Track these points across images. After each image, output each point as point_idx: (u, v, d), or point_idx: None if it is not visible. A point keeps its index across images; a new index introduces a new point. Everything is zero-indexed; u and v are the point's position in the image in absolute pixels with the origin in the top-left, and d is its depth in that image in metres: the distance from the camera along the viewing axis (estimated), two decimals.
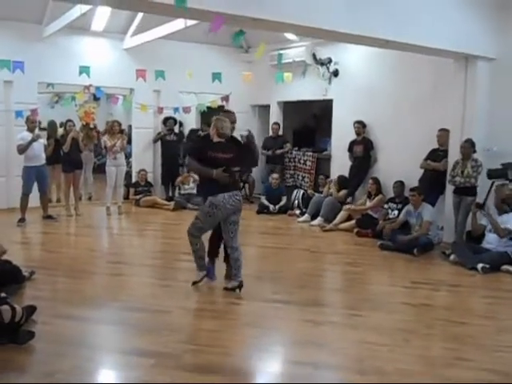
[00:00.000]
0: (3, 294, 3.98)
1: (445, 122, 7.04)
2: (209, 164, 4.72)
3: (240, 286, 4.84)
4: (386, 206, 7.57)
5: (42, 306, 4.25)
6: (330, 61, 9.04)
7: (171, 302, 4.60)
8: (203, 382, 3.19)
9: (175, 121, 10.29)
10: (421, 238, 6.51)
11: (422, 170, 7.25)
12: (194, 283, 4.94)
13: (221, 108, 8.95)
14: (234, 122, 5.18)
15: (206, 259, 5.06)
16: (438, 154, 7.12)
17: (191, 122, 11.74)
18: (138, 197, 9.78)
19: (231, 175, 4.76)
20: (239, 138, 5.08)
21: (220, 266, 5.27)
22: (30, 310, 4.06)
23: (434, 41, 5.87)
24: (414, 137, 7.59)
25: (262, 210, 9.26)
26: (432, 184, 7.04)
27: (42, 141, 8.02)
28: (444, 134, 7.06)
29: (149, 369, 3.35)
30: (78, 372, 3.29)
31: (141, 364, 3.41)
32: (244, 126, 11.00)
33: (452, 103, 6.89)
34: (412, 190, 6.81)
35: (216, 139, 4.80)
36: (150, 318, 4.27)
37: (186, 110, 10.18)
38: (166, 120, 10.15)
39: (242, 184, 10.04)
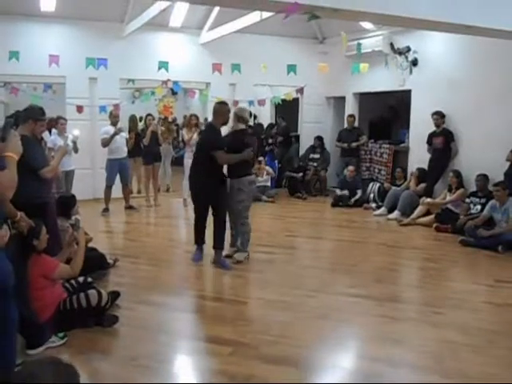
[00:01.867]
0: (89, 279, 4.21)
1: None
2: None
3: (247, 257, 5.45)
4: (467, 200, 7.24)
5: (125, 292, 4.46)
6: (408, 50, 8.72)
7: (247, 293, 4.68)
8: (279, 373, 3.22)
9: (250, 114, 10.35)
10: (505, 234, 6.17)
11: (507, 163, 6.85)
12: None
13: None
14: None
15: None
16: None
17: (266, 114, 11.79)
18: None
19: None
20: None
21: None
22: (114, 295, 4.27)
23: None
24: (499, 128, 7.18)
25: (337, 202, 9.15)
26: None
27: (124, 134, 8.37)
28: None
29: (226, 357, 3.43)
30: (159, 357, 3.42)
31: (218, 352, 3.49)
32: (319, 117, 11.05)
33: None
34: (496, 184, 6.46)
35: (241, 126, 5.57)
36: (226, 308, 4.36)
37: (261, 102, 10.23)
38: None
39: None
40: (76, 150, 7.45)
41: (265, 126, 11.15)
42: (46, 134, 7.35)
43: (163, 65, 8.33)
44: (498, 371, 3.27)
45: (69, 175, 7.43)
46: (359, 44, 8.42)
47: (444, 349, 3.58)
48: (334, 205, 9.13)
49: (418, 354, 3.52)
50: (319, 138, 10.48)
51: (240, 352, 3.49)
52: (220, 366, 3.32)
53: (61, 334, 3.57)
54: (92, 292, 3.77)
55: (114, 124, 8.14)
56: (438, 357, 3.46)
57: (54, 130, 7.46)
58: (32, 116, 4.23)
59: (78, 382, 1.53)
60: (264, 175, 9.87)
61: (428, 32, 7.84)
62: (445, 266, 5.77)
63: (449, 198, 7.59)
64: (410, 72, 8.76)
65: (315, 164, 10.38)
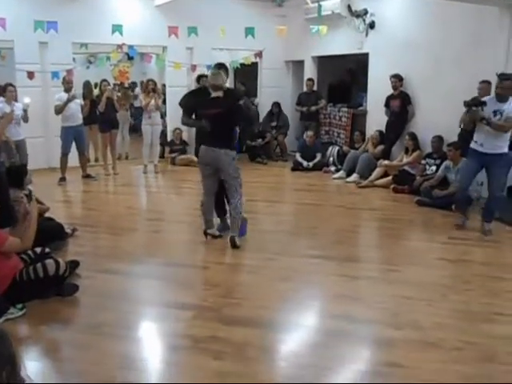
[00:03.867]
0: (47, 250, 4.14)
1: (487, 74, 6.74)
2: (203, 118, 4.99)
3: (231, 241, 4.93)
4: (423, 161, 7.41)
5: (85, 262, 4.42)
6: (365, 12, 8.71)
7: (208, 258, 4.71)
8: (242, 334, 3.28)
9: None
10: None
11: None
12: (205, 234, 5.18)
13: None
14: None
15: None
16: None
17: None
18: (173, 155, 9.87)
19: (216, 129, 4.84)
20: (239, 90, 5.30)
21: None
22: (74, 264, 4.23)
23: None
24: (454, 90, 7.30)
25: (297, 166, 9.21)
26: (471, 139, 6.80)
27: (79, 101, 8.12)
28: (486, 86, 6.72)
29: (189, 321, 3.47)
30: (122, 325, 3.42)
31: (181, 317, 3.53)
32: (278, 82, 10.99)
33: (494, 54, 6.59)
34: (449, 145, 6.63)
35: (213, 94, 4.90)
36: (188, 273, 4.38)
37: None
38: (199, 78, 9.97)
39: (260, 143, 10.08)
40: (26, 119, 7.21)
41: None
42: None
43: (117, 28, 8.03)
44: (450, 321, 3.44)
45: (20, 145, 7.16)
46: (320, 6, 8.31)
47: (399, 304, 3.73)
48: (294, 169, 9.20)
49: (374, 309, 3.65)
50: (277, 105, 10.45)
51: (203, 315, 3.54)
52: (183, 330, 3.36)
53: (19, 306, 3.51)
54: (49, 261, 3.70)
55: (67, 90, 7.87)
56: (393, 311, 3.61)
57: (1, 98, 7.15)
58: None
59: (8, 352, 1.50)
60: None
61: None
62: (401, 226, 5.95)
63: (405, 159, 7.75)
64: (365, 35, 8.77)
65: (274, 130, 10.39)
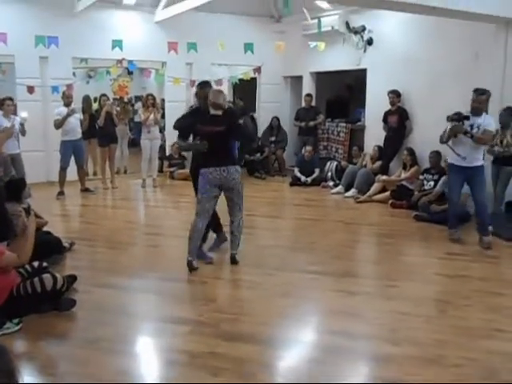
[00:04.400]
0: (45, 264, 4.13)
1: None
2: (200, 136, 4.79)
3: (232, 258, 4.87)
4: (421, 177, 7.43)
5: (83, 276, 4.40)
6: (363, 29, 8.80)
7: (207, 273, 4.68)
8: (240, 350, 3.26)
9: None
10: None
11: None
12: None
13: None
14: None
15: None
16: None
17: None
18: (172, 169, 9.89)
19: (220, 148, 4.68)
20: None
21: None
22: (71, 279, 4.21)
23: (478, 6, 5.74)
24: (452, 105, 7.29)
25: (295, 181, 9.23)
26: None
27: (78, 115, 8.16)
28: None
29: (186, 336, 3.45)
30: (119, 339, 3.40)
31: (178, 332, 3.51)
32: (277, 97, 11.05)
33: (492, 70, 6.66)
34: None
35: (212, 112, 4.74)
36: (186, 288, 4.37)
37: (219, 82, 10.11)
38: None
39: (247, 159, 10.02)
40: (23, 132, 7.24)
41: None
42: None
43: (117, 43, 8.12)
44: (448, 338, 3.42)
45: (15, 159, 7.18)
46: (319, 21, 8.36)
47: (397, 320, 3.71)
48: (293, 184, 9.21)
49: (372, 325, 3.63)
50: (276, 119, 10.51)
51: (200, 331, 3.52)
52: (181, 345, 3.34)
53: (16, 320, 3.49)
54: (46, 276, 3.69)
55: (67, 105, 7.92)
56: (391, 327, 3.59)
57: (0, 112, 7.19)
58: None
59: (7, 368, 1.49)
60: None
61: (383, 11, 7.93)
62: (399, 241, 5.94)
63: (403, 175, 7.77)
64: (363, 51, 8.86)
65: (273, 145, 10.43)
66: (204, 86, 5.18)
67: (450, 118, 5.55)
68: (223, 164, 4.67)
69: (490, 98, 5.63)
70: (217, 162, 4.66)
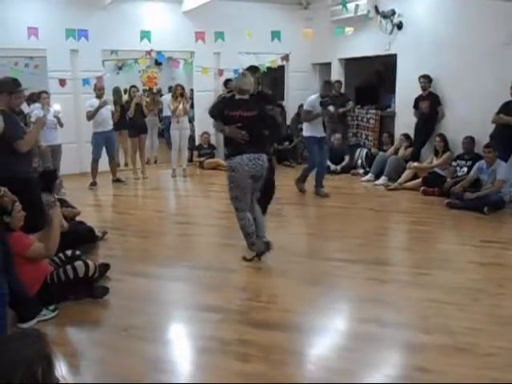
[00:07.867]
0: (78, 252, 4.22)
1: None
2: (230, 123, 4.43)
3: (266, 244, 4.64)
4: (454, 163, 7.28)
5: (115, 264, 4.48)
6: (393, 13, 8.62)
7: (236, 261, 4.71)
8: (269, 337, 3.27)
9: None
10: (491, 195, 6.24)
11: (493, 125, 6.87)
12: (245, 259, 4.70)
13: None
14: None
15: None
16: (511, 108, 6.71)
17: None
18: (201, 159, 9.94)
19: (252, 134, 4.37)
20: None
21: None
22: (104, 267, 4.30)
23: None
24: (485, 90, 7.17)
25: None
26: (504, 139, 6.65)
27: (110, 107, 8.27)
28: None
29: (217, 324, 3.48)
30: (150, 327, 3.46)
31: (209, 319, 3.54)
32: (305, 85, 10.96)
33: None
34: (487, 146, 6.48)
35: (237, 96, 4.51)
36: (216, 276, 4.40)
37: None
38: (226, 82, 10.14)
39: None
40: (61, 124, 7.41)
41: None
42: (25, 107, 7.28)
43: (146, 34, 8.17)
44: (482, 326, 3.36)
45: (55, 150, 7.38)
46: (357, 5, 8.19)
47: (429, 308, 3.66)
48: None
49: (404, 314, 3.59)
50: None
51: (230, 318, 3.55)
52: (211, 332, 3.37)
53: (51, 307, 3.59)
54: (78, 263, 3.78)
55: (99, 97, 8.03)
56: (423, 315, 3.54)
57: (37, 105, 7.36)
58: (5, 88, 4.08)
59: (44, 353, 1.54)
60: None
61: None
62: (431, 229, 5.84)
63: (435, 161, 7.63)
64: (393, 36, 8.68)
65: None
66: (253, 71, 4.98)
67: None
68: (256, 151, 4.39)
69: None
70: (249, 149, 4.36)
